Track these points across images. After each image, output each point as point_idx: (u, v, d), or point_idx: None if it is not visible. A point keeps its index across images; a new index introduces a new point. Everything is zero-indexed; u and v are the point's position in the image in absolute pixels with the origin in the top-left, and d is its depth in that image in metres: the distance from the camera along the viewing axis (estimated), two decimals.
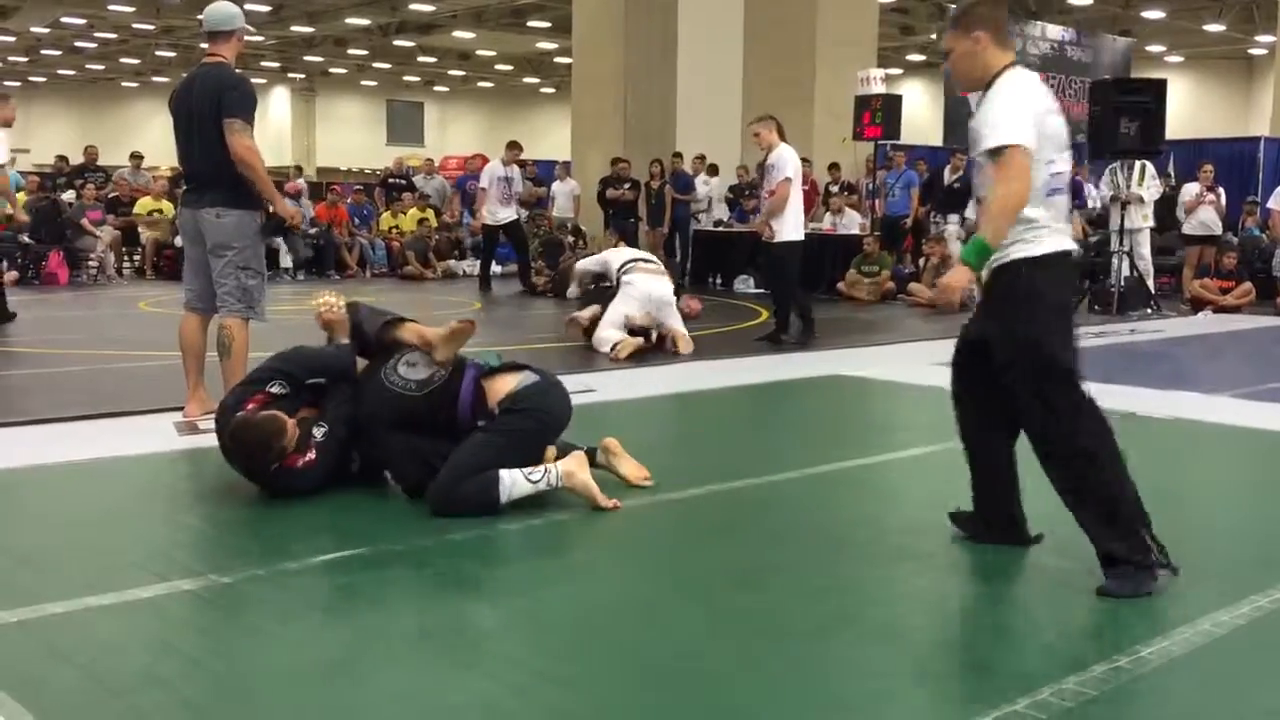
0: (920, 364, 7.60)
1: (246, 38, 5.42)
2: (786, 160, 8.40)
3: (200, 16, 5.51)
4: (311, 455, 3.92)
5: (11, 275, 12.64)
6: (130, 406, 5.53)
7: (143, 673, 2.55)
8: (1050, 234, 3.19)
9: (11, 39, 32.50)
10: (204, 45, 5.38)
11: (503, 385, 3.93)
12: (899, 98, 14.06)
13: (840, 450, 5.04)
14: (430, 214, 16.30)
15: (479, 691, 2.47)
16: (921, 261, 12.91)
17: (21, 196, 14.03)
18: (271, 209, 5.29)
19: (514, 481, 3.76)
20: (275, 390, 4.02)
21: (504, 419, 3.87)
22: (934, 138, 20.12)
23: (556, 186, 16.31)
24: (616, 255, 8.82)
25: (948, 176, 13.74)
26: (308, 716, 2.35)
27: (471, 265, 14.68)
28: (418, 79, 41.98)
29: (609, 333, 7.98)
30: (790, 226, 8.50)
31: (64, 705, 2.34)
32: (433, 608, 3.06)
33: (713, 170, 15.65)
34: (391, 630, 2.88)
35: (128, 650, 2.70)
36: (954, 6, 3.67)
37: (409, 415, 3.92)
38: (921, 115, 28.72)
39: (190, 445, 4.80)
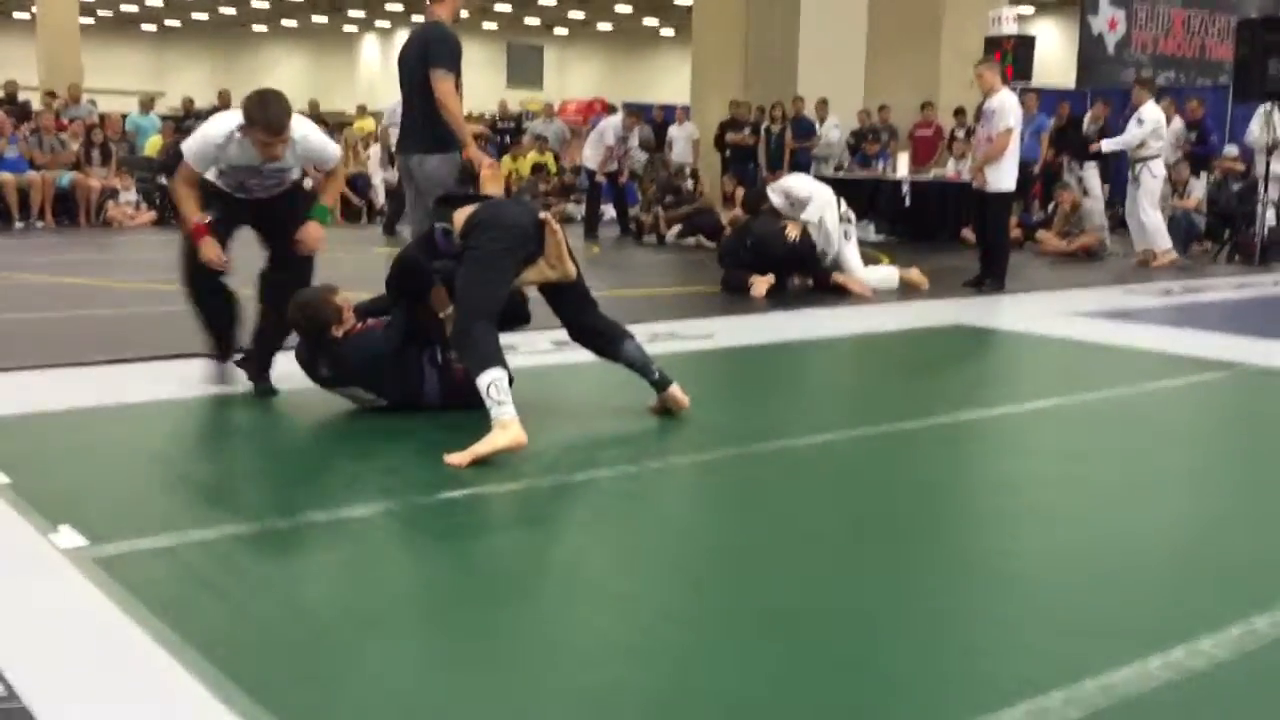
0: (1047, 314, 7.41)
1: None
2: (1010, 108, 8.27)
3: None
4: (375, 322, 4.28)
5: (149, 215, 13.15)
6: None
7: (282, 602, 2.66)
8: None
9: None
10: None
11: (460, 216, 4.15)
12: (1032, 38, 13.59)
13: (963, 401, 4.95)
14: (549, 158, 16.37)
15: (603, 628, 2.52)
16: (1050, 208, 12.52)
17: (156, 140, 14.54)
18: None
19: (486, 377, 3.74)
20: None
21: (469, 249, 4.05)
22: (1066, 80, 19.39)
23: (674, 130, 16.21)
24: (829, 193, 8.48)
25: (1087, 124, 13.24)
26: (437, 647, 2.43)
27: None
28: (537, 21, 42.01)
29: (872, 270, 8.19)
30: (1007, 176, 8.41)
31: (202, 623, 2.46)
32: (554, 546, 3.11)
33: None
34: (513, 568, 2.95)
35: (263, 577, 2.81)
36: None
37: (415, 248, 4.34)
38: (1054, 56, 27.69)
39: None
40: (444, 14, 5.78)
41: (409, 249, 4.42)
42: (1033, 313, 7.51)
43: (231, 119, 4.36)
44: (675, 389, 4.36)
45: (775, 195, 8.38)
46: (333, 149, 4.61)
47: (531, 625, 2.52)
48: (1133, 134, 10.59)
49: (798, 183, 8.58)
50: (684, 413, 4.38)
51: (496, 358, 3.80)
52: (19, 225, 12.15)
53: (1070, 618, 2.61)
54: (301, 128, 4.39)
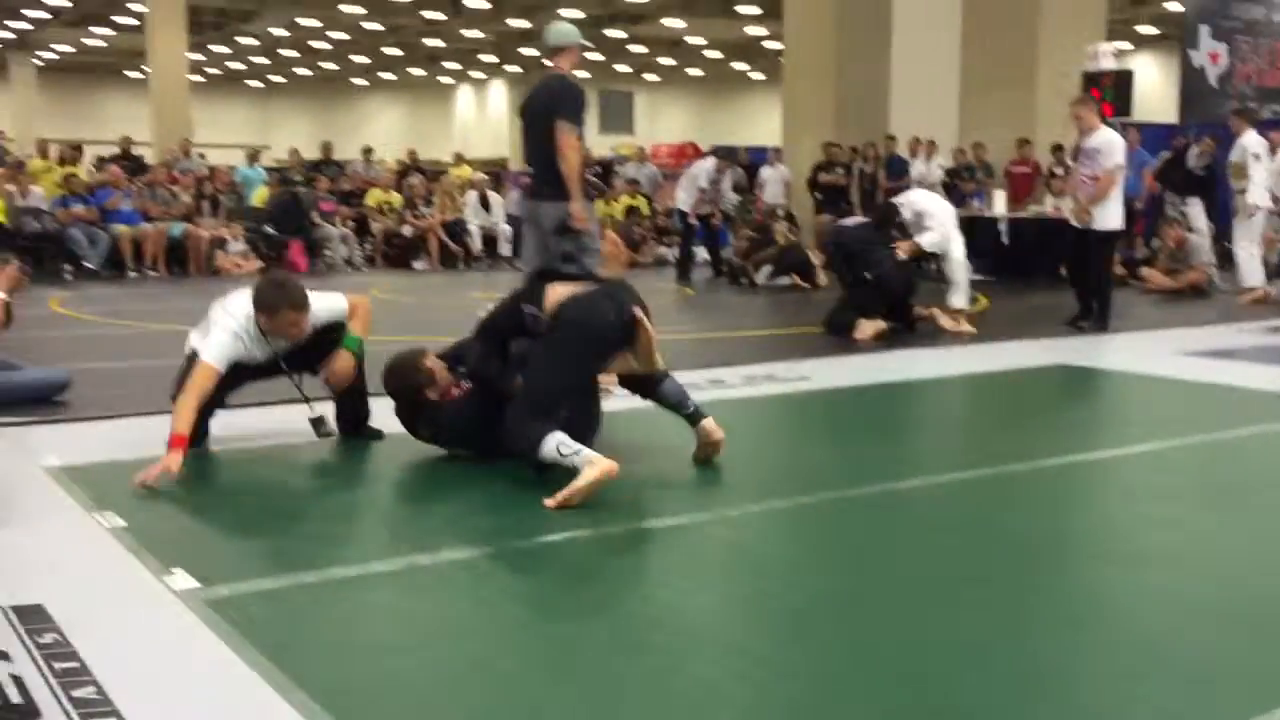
0: (1153, 353, 7.22)
1: (580, 49, 6.12)
2: (1116, 145, 8.17)
3: (540, 33, 6.26)
4: (466, 385, 4.26)
5: (255, 264, 13.55)
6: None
7: (388, 643, 2.69)
8: None
9: (254, 42, 34.65)
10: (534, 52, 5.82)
11: (557, 293, 4.08)
12: (1130, 73, 13.33)
13: (1069, 444, 4.83)
14: (641, 201, 16.50)
15: (701, 676, 2.50)
16: (1155, 244, 12.23)
17: (263, 191, 15.01)
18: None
19: (549, 446, 3.76)
20: None
21: (549, 335, 4.01)
22: (1167, 115, 18.99)
23: (767, 172, 16.22)
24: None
25: (1192, 159, 12.92)
26: (544, 691, 2.43)
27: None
28: (628, 69, 42.52)
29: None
30: (1114, 214, 8.27)
31: (310, 664, 2.49)
32: (656, 592, 3.10)
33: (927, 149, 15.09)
34: (616, 613, 2.95)
35: (369, 619, 2.85)
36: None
37: (502, 317, 4.23)
38: (1154, 91, 27.16)
39: None
40: (565, 65, 6.05)
41: (480, 348, 4.29)
42: (1138, 352, 7.32)
43: (243, 306, 4.31)
44: (709, 422, 4.30)
45: (905, 211, 8.34)
46: (339, 305, 4.54)
47: (638, 674, 2.51)
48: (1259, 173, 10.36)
49: (926, 203, 8.53)
50: (782, 455, 4.35)
51: (550, 430, 3.78)
52: (133, 275, 12.60)
53: (1195, 668, 2.51)
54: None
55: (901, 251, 7.96)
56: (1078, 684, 2.44)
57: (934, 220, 8.22)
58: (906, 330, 7.96)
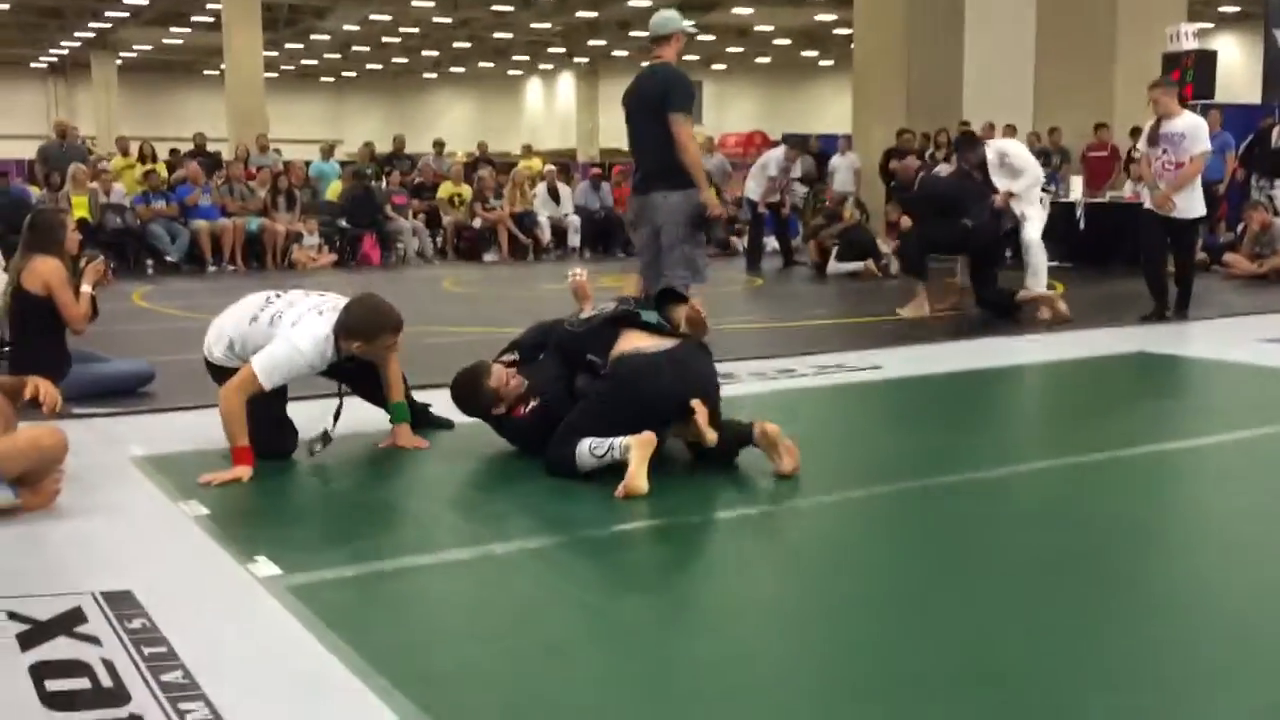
0: (1237, 341, 7.04)
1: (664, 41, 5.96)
2: (1201, 130, 7.87)
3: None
4: (535, 403, 4.18)
5: (330, 257, 13.75)
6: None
7: (466, 630, 2.72)
8: None
9: (327, 37, 35.15)
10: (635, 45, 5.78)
11: (628, 343, 4.00)
12: (1213, 54, 13.00)
13: (1151, 432, 4.74)
14: (711, 191, 16.45)
15: (770, 664, 2.49)
16: (1239, 228, 11.92)
17: (337, 185, 15.21)
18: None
19: (582, 455, 3.79)
20: (506, 359, 4.38)
21: (604, 383, 3.95)
22: (1251, 96, 18.47)
23: (837, 160, 16.07)
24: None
25: (1276, 140, 12.57)
26: (614, 676, 2.44)
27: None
28: (696, 57, 42.42)
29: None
30: (1198, 201, 8.00)
31: (391, 649, 2.53)
32: (723, 580, 3.10)
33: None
34: (684, 601, 2.95)
35: (447, 606, 2.89)
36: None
37: (569, 350, 4.18)
38: (1236, 72, 26.45)
39: None
40: (669, 54, 5.94)
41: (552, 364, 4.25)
42: (1221, 339, 7.15)
43: (321, 327, 4.07)
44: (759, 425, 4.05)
45: (991, 152, 8.19)
46: None
47: (709, 661, 2.51)
48: None
49: (1016, 149, 8.41)
50: (856, 444, 4.31)
51: (575, 444, 3.82)
52: (212, 269, 12.85)
53: None
54: None
55: (999, 201, 7.88)
56: (1163, 674, 2.40)
57: (1024, 161, 8.12)
58: (980, 297, 7.90)
